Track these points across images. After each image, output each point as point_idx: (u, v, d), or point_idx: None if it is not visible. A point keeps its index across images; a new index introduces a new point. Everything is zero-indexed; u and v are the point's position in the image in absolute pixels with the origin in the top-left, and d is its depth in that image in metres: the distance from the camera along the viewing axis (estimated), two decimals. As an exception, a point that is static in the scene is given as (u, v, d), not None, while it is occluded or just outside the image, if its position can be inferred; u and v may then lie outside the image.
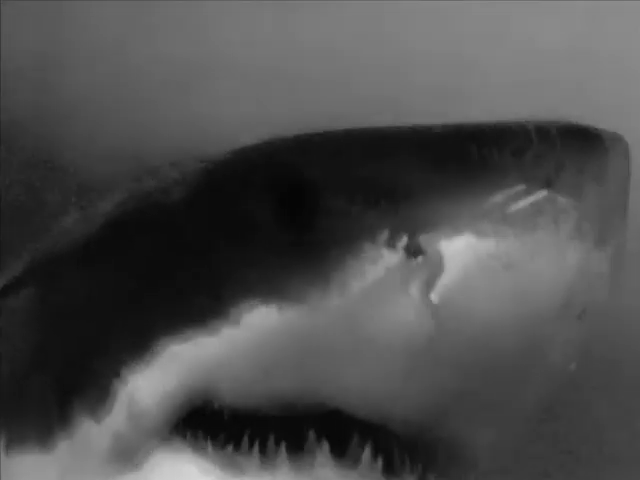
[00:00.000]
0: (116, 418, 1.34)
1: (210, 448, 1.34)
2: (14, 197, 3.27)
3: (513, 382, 1.35)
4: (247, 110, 3.37)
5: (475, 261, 1.28)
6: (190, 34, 3.45)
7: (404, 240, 1.29)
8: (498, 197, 1.28)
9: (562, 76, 3.30)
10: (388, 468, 1.37)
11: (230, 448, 1.34)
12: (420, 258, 1.28)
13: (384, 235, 1.29)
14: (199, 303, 1.35)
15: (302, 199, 1.33)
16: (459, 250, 1.28)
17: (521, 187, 1.28)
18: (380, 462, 1.35)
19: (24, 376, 1.42)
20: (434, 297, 1.28)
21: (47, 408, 1.38)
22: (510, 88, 3.27)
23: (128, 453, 1.34)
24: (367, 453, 1.35)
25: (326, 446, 1.34)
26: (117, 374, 1.35)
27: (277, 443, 1.34)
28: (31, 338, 1.44)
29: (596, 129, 1.33)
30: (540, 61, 3.31)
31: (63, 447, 1.36)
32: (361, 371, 1.32)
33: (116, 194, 1.49)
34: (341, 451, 1.35)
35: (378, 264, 1.29)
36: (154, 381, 1.33)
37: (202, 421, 1.35)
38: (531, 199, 1.28)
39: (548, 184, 1.28)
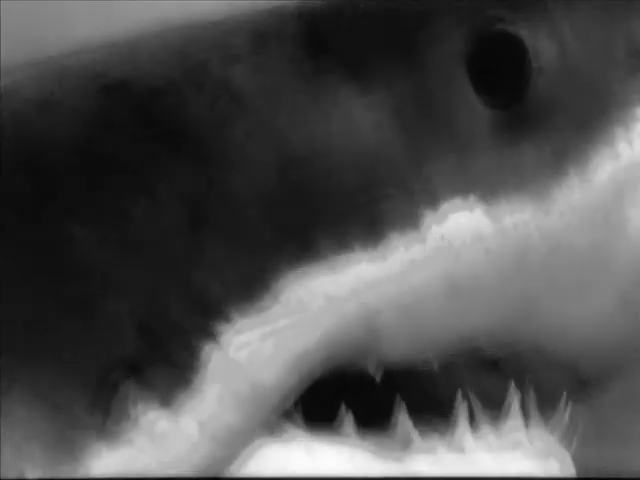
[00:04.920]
0: (206, 398, 0.93)
1: (354, 429, 0.98)
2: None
3: None
4: None
5: None
6: None
7: None
8: None
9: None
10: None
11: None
12: None
13: None
14: (351, 213, 0.96)
15: (513, 64, 1.02)
16: None
17: None
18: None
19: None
20: None
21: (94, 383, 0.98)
22: None
23: (225, 443, 0.94)
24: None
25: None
26: (206, 330, 0.92)
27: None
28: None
29: None
30: None
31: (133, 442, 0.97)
32: (583, 298, 1.02)
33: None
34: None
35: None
36: (271, 340, 0.92)
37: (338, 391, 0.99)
38: None
39: None
